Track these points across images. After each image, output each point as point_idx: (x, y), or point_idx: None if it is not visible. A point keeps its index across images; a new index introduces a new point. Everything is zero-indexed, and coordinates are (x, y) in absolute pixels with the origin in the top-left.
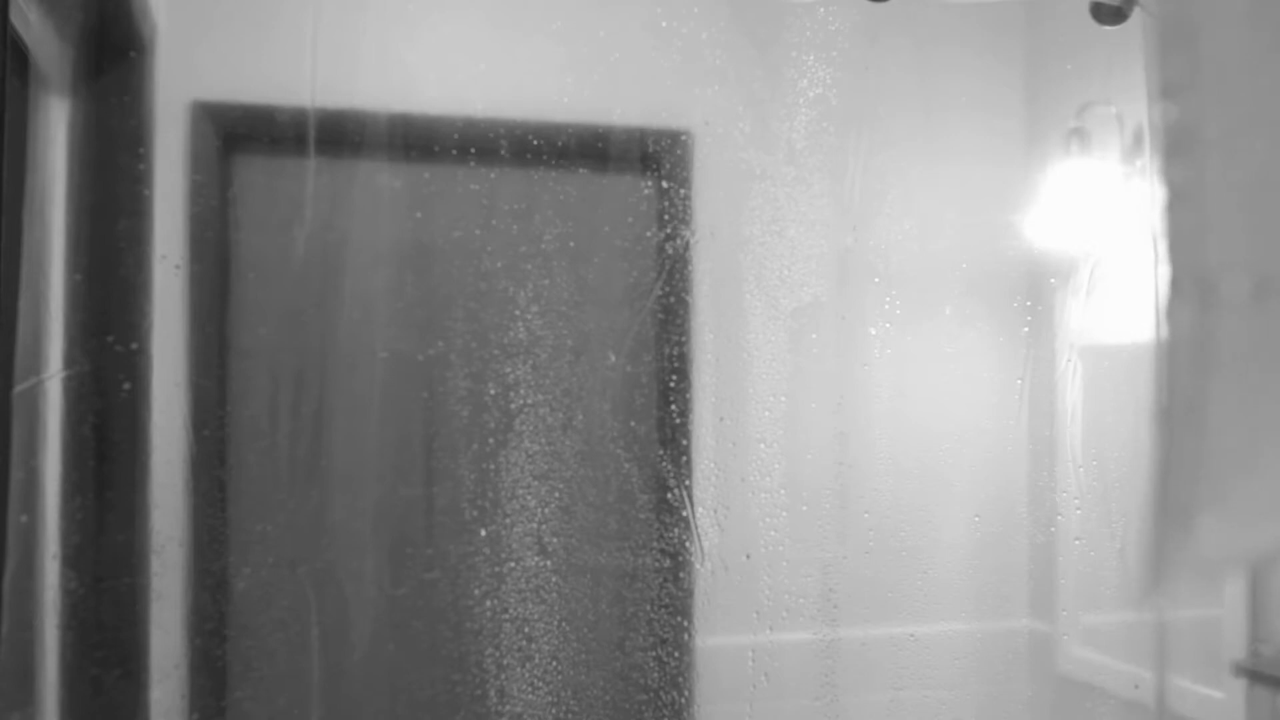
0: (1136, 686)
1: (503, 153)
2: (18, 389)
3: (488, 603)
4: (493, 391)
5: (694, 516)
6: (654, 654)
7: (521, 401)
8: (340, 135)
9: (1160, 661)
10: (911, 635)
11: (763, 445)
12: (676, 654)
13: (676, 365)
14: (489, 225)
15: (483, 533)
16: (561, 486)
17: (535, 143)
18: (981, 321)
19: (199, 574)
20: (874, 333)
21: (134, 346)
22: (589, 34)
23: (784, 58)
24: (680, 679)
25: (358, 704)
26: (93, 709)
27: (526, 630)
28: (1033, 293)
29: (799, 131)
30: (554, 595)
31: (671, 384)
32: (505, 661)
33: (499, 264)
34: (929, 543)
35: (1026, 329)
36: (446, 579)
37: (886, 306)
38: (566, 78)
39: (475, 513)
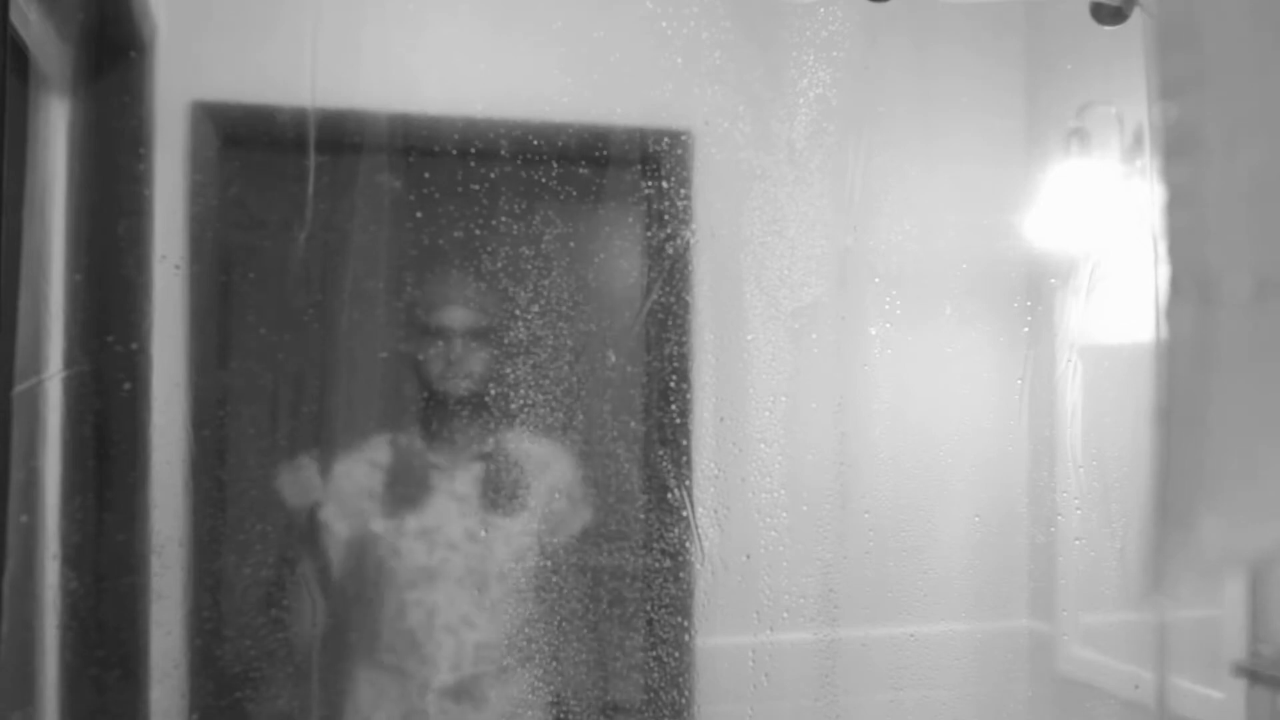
0: (1136, 686)
1: (503, 153)
2: (18, 389)
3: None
4: (493, 391)
5: (694, 517)
6: (654, 654)
7: (521, 401)
8: (340, 135)
9: (1160, 661)
10: (911, 635)
11: (763, 445)
12: (676, 654)
13: (676, 365)
14: (489, 225)
15: (483, 532)
16: (562, 486)
17: (535, 143)
18: (981, 321)
19: (199, 574)
20: (874, 333)
21: (134, 346)
22: (589, 34)
23: (784, 58)
24: (680, 679)
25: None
26: (93, 709)
27: (527, 630)
28: (1033, 293)
29: (799, 131)
30: (554, 595)
31: (671, 384)
32: (506, 662)
33: (499, 264)
34: (929, 543)
35: (1026, 329)
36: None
37: (886, 306)
38: (566, 78)
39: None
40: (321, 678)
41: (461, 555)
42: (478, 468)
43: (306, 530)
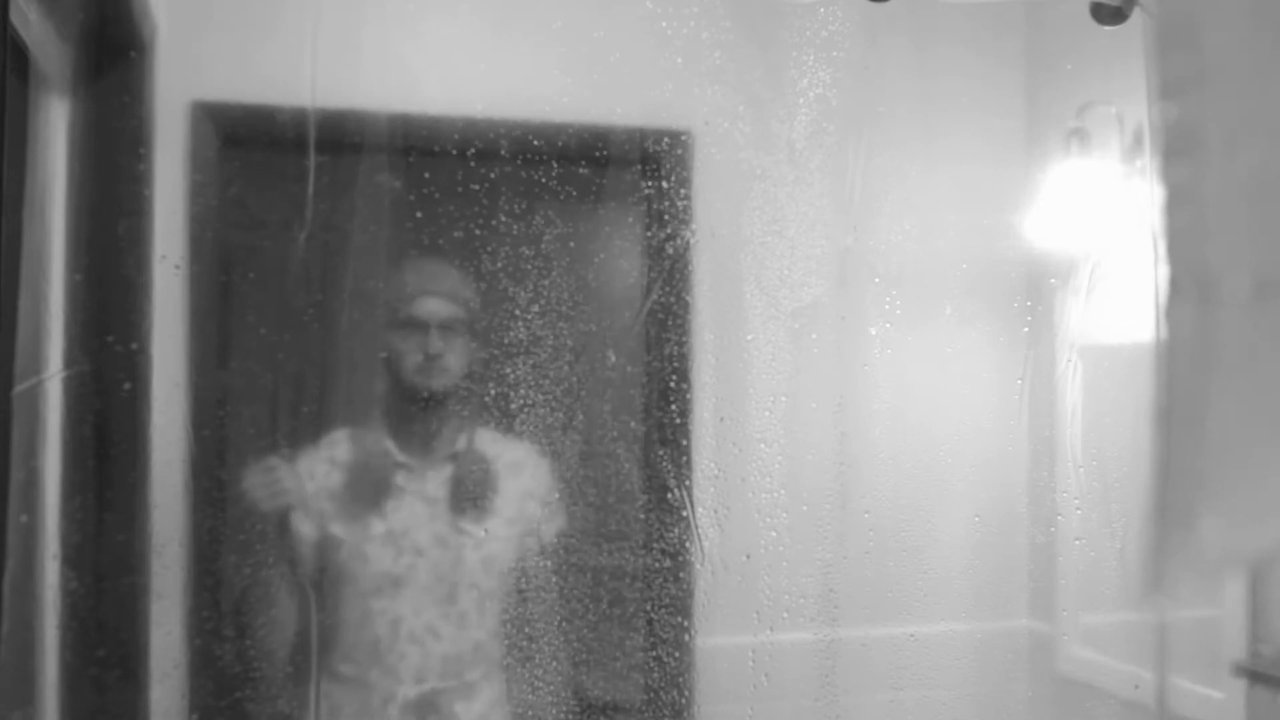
0: (1136, 686)
1: (503, 153)
2: (18, 389)
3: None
4: (493, 391)
5: (694, 516)
6: (654, 654)
7: (521, 401)
8: (340, 135)
9: (1160, 661)
10: (911, 635)
11: (763, 445)
12: (676, 654)
13: (676, 365)
14: (489, 225)
15: (483, 533)
16: (561, 486)
17: (535, 143)
18: (981, 321)
19: (199, 574)
20: (874, 333)
21: (134, 346)
22: (589, 34)
23: (784, 58)
24: (680, 679)
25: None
26: (93, 709)
27: (527, 630)
28: (1033, 293)
29: (799, 131)
30: (554, 595)
31: (671, 384)
32: (506, 661)
33: (499, 264)
34: (929, 543)
35: (1026, 329)
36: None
37: (886, 306)
38: (566, 78)
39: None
40: (311, 683)
41: (429, 561)
42: (448, 469)
43: (280, 534)
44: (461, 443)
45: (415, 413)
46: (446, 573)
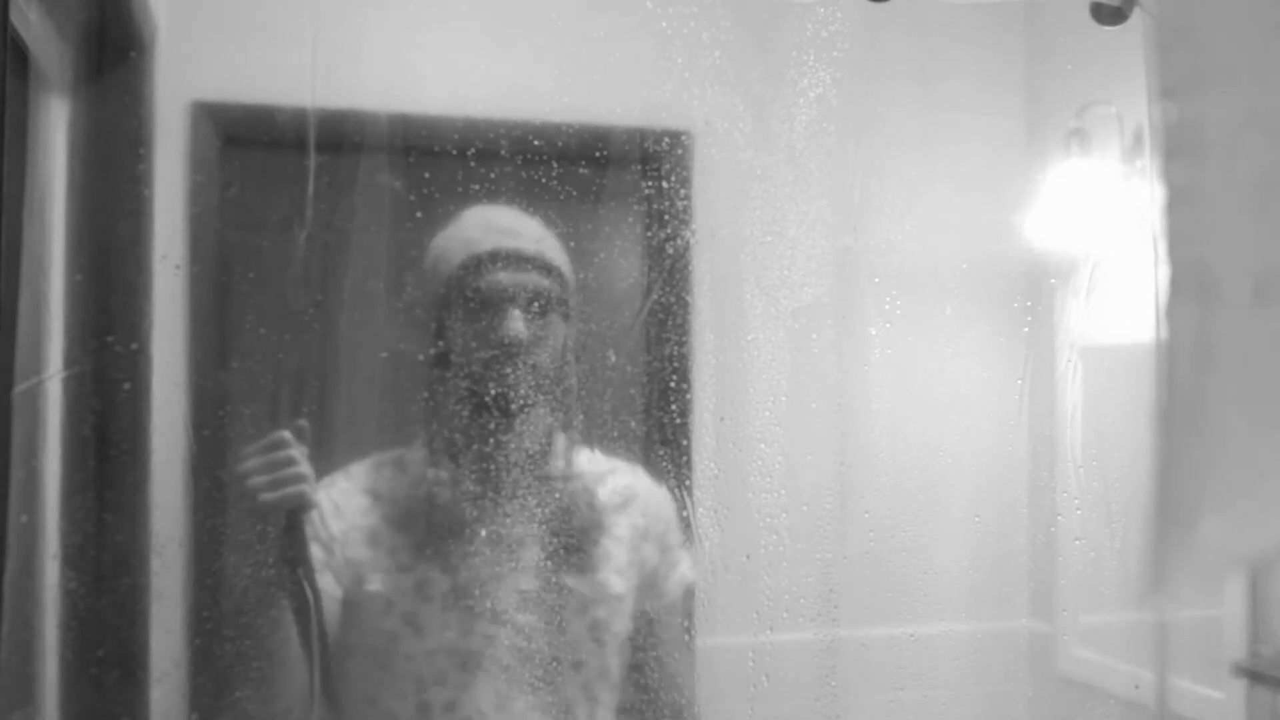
0: (1136, 686)
1: (503, 153)
2: (18, 389)
3: (487, 603)
4: (493, 391)
5: (694, 517)
6: (654, 654)
7: (521, 401)
8: (340, 135)
9: (1160, 661)
10: (911, 635)
11: (763, 445)
12: (676, 654)
13: (676, 365)
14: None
15: (483, 533)
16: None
17: (535, 143)
18: (981, 321)
19: (199, 574)
20: (874, 333)
21: (134, 346)
22: (589, 34)
23: (784, 58)
24: (680, 679)
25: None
26: (93, 709)
27: (526, 630)
28: (1033, 293)
29: (799, 131)
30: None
31: (671, 384)
32: (506, 662)
33: (498, 264)
34: (929, 542)
35: (1026, 329)
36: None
37: (886, 306)
38: (566, 78)
39: (475, 512)
40: None
41: (514, 631)
42: (534, 503)
43: (286, 544)
44: (557, 464)
45: (486, 425)
46: (541, 648)
